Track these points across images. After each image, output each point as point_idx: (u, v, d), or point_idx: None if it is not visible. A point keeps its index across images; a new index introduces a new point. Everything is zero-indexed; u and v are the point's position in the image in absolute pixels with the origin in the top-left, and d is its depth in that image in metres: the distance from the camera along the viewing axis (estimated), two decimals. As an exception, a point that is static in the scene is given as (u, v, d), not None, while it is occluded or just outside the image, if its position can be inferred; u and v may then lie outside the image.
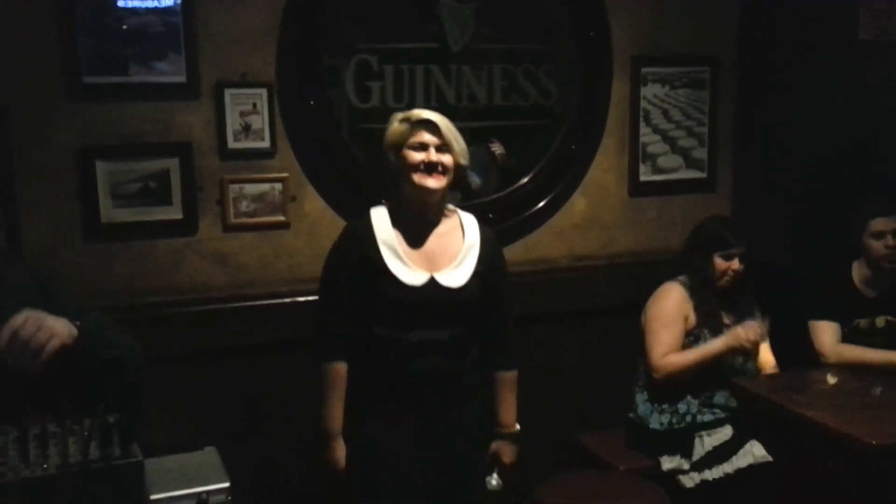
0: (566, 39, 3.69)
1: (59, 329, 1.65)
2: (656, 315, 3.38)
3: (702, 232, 3.46)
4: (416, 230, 2.65)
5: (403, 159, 2.58)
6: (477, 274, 2.64)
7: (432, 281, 2.58)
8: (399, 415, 2.61)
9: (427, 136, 2.56)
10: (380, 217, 2.65)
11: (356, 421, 2.67)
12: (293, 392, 3.24)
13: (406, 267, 2.57)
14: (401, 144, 2.59)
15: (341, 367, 2.64)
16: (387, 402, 2.63)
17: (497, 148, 3.72)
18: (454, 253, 2.65)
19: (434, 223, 2.68)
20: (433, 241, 2.65)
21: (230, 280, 3.24)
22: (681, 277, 3.43)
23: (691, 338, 3.36)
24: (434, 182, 2.55)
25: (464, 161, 2.61)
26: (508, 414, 2.83)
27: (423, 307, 2.56)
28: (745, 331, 3.23)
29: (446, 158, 2.56)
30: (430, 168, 2.54)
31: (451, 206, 2.75)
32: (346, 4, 3.35)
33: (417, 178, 2.55)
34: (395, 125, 2.62)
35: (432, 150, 2.55)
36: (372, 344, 2.62)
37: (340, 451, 2.66)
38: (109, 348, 1.80)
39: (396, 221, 2.64)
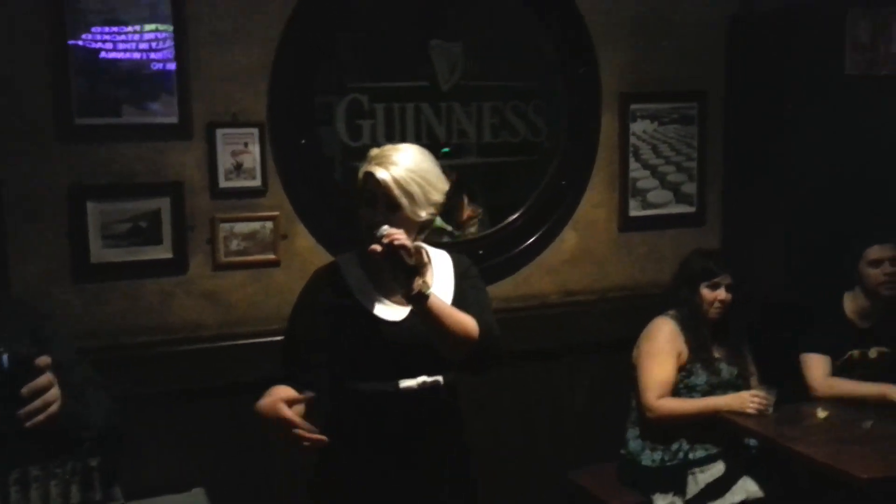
0: (555, 77, 3.72)
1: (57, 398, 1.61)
2: (649, 351, 3.38)
3: (687, 265, 3.52)
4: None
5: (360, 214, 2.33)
6: (454, 300, 2.40)
7: (412, 314, 2.32)
8: (382, 474, 2.36)
9: (376, 190, 2.27)
10: (348, 262, 2.44)
11: (330, 484, 2.41)
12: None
13: (382, 305, 2.36)
14: (359, 192, 2.34)
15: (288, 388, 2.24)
16: (368, 466, 2.37)
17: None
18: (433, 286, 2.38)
19: None
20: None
21: (220, 319, 3.24)
22: (671, 312, 3.45)
23: (683, 372, 3.37)
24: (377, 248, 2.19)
25: (423, 214, 2.30)
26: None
27: (408, 345, 2.33)
28: (752, 398, 3.23)
29: (394, 218, 2.25)
30: (375, 228, 2.22)
31: (422, 245, 2.48)
32: (338, 44, 3.39)
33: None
34: (362, 167, 2.34)
35: (380, 208, 2.27)
36: (353, 403, 2.37)
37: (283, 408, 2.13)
38: (81, 429, 1.75)
39: (366, 264, 2.39)
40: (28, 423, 1.54)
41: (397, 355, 2.34)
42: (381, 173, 2.25)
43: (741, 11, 3.95)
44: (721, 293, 3.39)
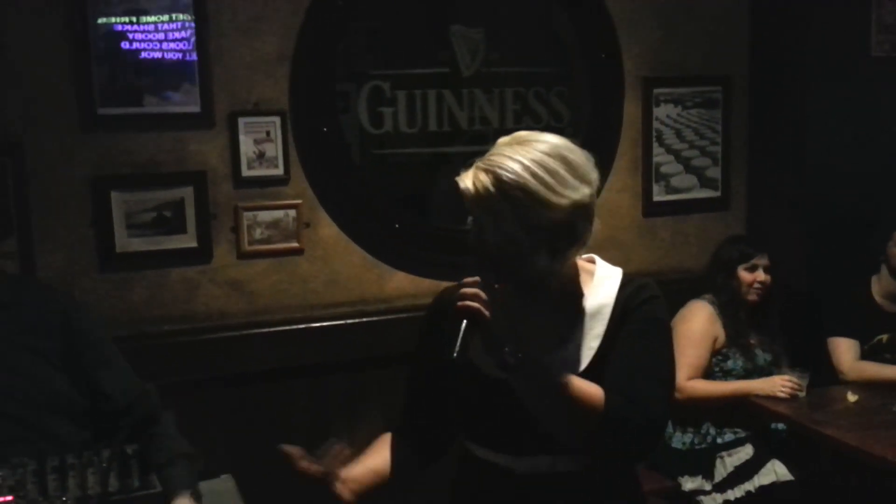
0: (577, 62, 3.70)
1: None
2: (684, 333, 3.36)
3: (723, 251, 3.51)
4: (521, 299, 1.75)
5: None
6: (603, 351, 1.70)
7: None
8: None
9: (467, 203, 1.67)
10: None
11: None
12: (309, 418, 3.23)
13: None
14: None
15: (387, 437, 1.92)
16: None
17: None
18: (570, 327, 1.74)
19: (550, 291, 1.74)
20: (545, 313, 1.75)
21: (245, 307, 3.24)
22: (707, 296, 3.44)
23: (720, 356, 3.36)
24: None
25: (528, 228, 1.61)
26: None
27: (523, 413, 1.62)
28: (784, 382, 3.21)
29: (492, 237, 1.63)
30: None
31: (591, 260, 1.82)
32: (358, 32, 3.37)
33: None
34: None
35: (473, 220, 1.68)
36: (472, 469, 1.82)
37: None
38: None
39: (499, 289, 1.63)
40: None
41: (509, 423, 1.72)
42: (469, 176, 1.64)
43: (765, -7, 3.92)
44: (760, 274, 3.39)
